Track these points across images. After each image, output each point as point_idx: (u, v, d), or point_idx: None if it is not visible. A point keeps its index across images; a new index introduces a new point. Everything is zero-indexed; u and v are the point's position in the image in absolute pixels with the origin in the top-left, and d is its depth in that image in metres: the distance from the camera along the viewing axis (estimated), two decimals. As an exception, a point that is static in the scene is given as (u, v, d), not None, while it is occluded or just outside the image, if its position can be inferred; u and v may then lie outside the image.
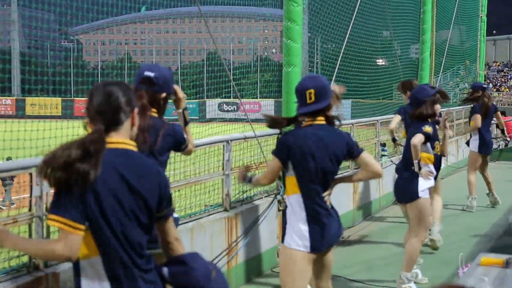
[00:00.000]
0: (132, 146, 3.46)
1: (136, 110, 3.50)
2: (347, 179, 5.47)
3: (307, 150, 5.02)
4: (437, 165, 8.29)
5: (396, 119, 9.95)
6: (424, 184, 7.41)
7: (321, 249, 5.11)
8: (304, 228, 5.08)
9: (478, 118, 12.17)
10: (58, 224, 3.15)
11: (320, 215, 5.06)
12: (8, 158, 8.06)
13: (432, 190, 10.39)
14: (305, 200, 5.08)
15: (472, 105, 12.48)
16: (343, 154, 5.10)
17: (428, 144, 7.54)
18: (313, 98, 5.03)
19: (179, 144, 5.04)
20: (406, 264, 7.43)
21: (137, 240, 3.35)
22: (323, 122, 5.08)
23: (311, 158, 5.02)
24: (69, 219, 3.14)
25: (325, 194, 5.05)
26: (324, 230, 5.07)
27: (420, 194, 7.37)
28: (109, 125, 3.37)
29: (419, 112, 7.49)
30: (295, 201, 5.12)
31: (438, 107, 7.53)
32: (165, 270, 3.52)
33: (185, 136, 5.09)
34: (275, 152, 5.22)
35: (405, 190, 7.50)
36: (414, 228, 7.48)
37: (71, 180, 3.13)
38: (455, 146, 17.69)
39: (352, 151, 5.10)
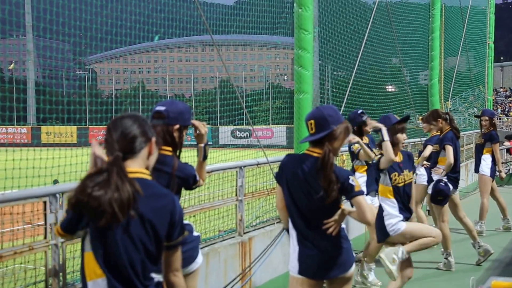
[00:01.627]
0: (147, 175, 3.51)
1: (154, 139, 3.57)
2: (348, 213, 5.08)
3: (285, 180, 5.07)
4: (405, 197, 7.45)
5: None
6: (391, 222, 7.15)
7: (313, 276, 5.02)
8: (294, 250, 5.07)
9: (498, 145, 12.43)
10: None
11: (310, 239, 5.00)
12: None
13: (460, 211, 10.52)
14: (293, 225, 5.09)
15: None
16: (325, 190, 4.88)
17: (385, 177, 7.17)
18: (314, 129, 5.02)
19: (188, 183, 5.04)
20: None
21: (142, 268, 3.40)
22: (315, 155, 4.98)
23: (286, 188, 5.07)
24: None
25: (328, 222, 4.93)
26: (315, 256, 4.98)
27: (393, 232, 7.15)
28: (126, 153, 3.45)
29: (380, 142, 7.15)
30: (290, 224, 5.13)
31: (400, 136, 7.12)
32: None
33: (196, 174, 5.09)
34: (275, 175, 5.29)
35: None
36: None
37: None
38: (464, 170, 17.67)
39: (345, 192, 4.89)
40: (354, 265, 5.14)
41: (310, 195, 4.94)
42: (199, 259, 5.23)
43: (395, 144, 7.08)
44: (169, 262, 3.59)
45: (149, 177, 3.53)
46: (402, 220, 7.11)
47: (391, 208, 7.12)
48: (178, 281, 3.64)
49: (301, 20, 8.89)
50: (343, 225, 5.07)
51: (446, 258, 9.71)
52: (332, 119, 4.97)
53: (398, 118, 7.20)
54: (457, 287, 8.56)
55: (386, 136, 6.91)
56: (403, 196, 7.17)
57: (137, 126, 3.52)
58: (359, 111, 8.66)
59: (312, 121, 5.02)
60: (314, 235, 4.99)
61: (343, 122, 5.04)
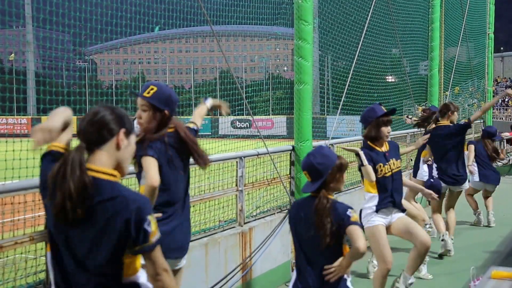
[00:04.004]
0: (110, 176, 3.32)
1: (122, 130, 3.38)
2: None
3: (292, 222, 5.21)
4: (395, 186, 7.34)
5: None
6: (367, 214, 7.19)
7: None
8: (291, 279, 5.24)
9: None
10: None
11: (306, 274, 5.05)
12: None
13: (447, 204, 10.54)
14: (296, 260, 5.24)
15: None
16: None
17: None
18: (309, 178, 5.08)
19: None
20: None
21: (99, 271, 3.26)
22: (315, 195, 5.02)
23: (294, 229, 5.19)
24: None
25: (329, 268, 4.92)
26: None
27: (365, 223, 7.11)
28: (90, 144, 3.33)
29: (365, 133, 7.24)
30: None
31: (385, 129, 7.06)
32: None
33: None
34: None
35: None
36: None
37: None
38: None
39: (343, 227, 4.88)
40: None
41: (310, 237, 4.99)
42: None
43: (379, 137, 7.08)
44: (153, 262, 3.37)
45: (113, 178, 3.33)
46: (383, 217, 7.14)
47: (370, 202, 7.17)
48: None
49: (301, 11, 8.88)
50: (348, 277, 5.01)
51: (442, 240, 9.83)
52: (323, 166, 4.99)
53: (384, 110, 7.13)
54: (458, 278, 8.61)
55: (364, 161, 6.94)
56: (393, 186, 7.14)
57: (106, 115, 3.36)
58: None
59: (306, 173, 5.08)
60: (311, 272, 5.03)
61: (335, 163, 5.02)
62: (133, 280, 3.36)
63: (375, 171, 7.06)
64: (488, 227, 12.23)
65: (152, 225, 3.26)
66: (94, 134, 3.31)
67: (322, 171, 4.97)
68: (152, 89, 5.11)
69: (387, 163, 7.09)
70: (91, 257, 3.24)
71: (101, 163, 3.32)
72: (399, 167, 7.29)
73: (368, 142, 7.17)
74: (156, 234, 3.29)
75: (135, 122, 5.01)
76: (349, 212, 4.85)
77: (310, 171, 5.03)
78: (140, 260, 3.38)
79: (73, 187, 3.16)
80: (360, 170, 7.12)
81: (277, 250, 8.54)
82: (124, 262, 3.29)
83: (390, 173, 7.11)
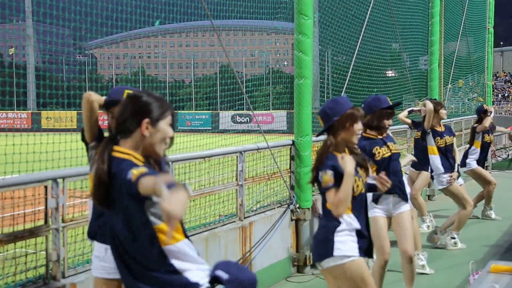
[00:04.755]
0: (124, 154, 3.54)
1: (146, 120, 3.55)
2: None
3: None
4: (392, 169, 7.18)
5: None
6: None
7: None
8: None
9: None
10: None
11: None
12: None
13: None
14: None
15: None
16: None
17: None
18: (322, 125, 5.17)
19: None
20: None
21: None
22: None
23: None
24: None
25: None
26: None
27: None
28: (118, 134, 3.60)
29: (365, 121, 6.76)
30: None
31: (386, 121, 6.92)
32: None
33: None
34: None
35: None
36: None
37: None
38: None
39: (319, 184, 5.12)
40: (328, 260, 5.03)
41: None
42: None
43: (380, 128, 6.94)
44: None
45: (134, 159, 3.53)
46: (382, 208, 7.06)
47: None
48: None
49: (301, 5, 8.89)
50: (342, 220, 5.03)
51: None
52: (332, 111, 5.06)
53: (389, 102, 6.99)
54: (457, 271, 8.65)
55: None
56: (390, 169, 6.92)
57: (128, 108, 3.59)
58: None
59: (319, 118, 5.18)
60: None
61: (346, 111, 5.05)
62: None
63: (373, 155, 6.89)
64: (487, 220, 12.30)
65: (133, 171, 3.35)
66: (120, 128, 3.60)
67: (330, 115, 5.05)
68: None
69: (384, 145, 6.94)
70: None
71: (125, 147, 3.57)
72: (398, 150, 7.16)
73: (367, 130, 6.96)
74: (137, 174, 3.33)
75: None
76: (320, 176, 4.94)
77: (322, 116, 5.13)
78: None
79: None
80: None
81: (277, 245, 8.56)
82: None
83: (389, 153, 6.94)
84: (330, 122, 5.05)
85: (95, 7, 10.54)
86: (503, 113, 65.41)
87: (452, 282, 8.28)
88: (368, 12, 13.04)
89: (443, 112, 10.39)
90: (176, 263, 3.49)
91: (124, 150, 3.55)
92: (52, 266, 5.33)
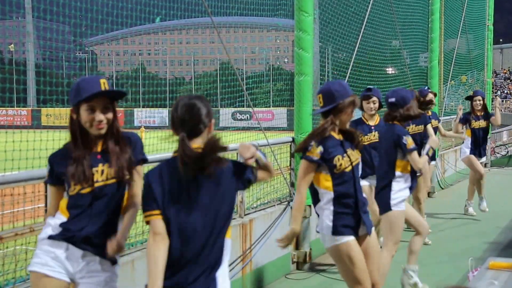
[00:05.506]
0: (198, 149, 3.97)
1: (213, 121, 4.05)
2: None
3: None
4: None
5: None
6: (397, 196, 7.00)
7: None
8: None
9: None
10: None
11: None
12: None
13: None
14: None
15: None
16: None
17: None
18: (322, 102, 5.31)
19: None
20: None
21: None
22: None
23: None
24: None
25: None
26: None
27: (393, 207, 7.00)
28: (190, 134, 3.95)
29: (406, 114, 7.00)
30: None
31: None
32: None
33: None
34: None
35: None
36: (385, 241, 7.14)
37: None
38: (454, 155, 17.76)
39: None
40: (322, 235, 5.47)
41: None
42: None
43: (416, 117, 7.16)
44: None
45: None
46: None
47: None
48: None
49: (301, 2, 8.90)
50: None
51: None
52: (339, 93, 5.25)
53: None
54: (456, 268, 8.68)
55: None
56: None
57: (202, 110, 4.00)
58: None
59: (320, 95, 5.33)
60: None
61: (350, 96, 5.29)
62: None
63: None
64: (485, 217, 12.31)
65: None
66: (194, 128, 3.98)
67: (336, 97, 5.24)
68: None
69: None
70: None
71: (197, 143, 3.97)
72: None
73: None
74: None
75: None
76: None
77: (325, 95, 5.30)
78: None
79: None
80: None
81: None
82: None
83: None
84: (335, 104, 5.24)
85: (96, 4, 10.53)
86: (503, 110, 65.54)
87: (451, 279, 8.30)
88: (368, 9, 13.05)
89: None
90: None
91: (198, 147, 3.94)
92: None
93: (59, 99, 14.03)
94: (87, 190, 4.20)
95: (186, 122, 3.94)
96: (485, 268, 5.30)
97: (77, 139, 4.33)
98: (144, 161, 4.47)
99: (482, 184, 12.13)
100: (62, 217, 4.27)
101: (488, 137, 12.82)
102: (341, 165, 5.25)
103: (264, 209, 8.63)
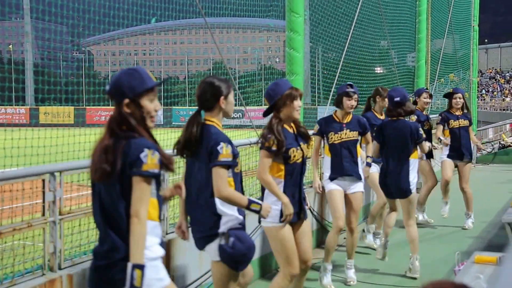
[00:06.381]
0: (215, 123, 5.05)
1: (222, 97, 4.99)
2: None
3: None
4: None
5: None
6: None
7: None
8: None
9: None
10: None
11: None
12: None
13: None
14: None
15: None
16: None
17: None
18: (268, 104, 5.88)
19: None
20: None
21: None
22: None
23: None
24: None
25: None
26: None
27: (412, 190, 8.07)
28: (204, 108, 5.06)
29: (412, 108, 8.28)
30: None
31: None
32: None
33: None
34: None
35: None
36: (412, 215, 8.21)
37: None
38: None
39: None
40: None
41: None
42: None
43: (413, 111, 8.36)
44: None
45: (215, 124, 5.05)
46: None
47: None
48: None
49: (292, 3, 9.05)
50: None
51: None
52: (274, 92, 5.82)
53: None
54: (443, 262, 8.77)
55: None
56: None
57: (207, 90, 5.00)
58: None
59: (265, 99, 5.95)
60: None
61: (285, 91, 5.79)
62: None
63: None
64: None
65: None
66: (206, 103, 5.04)
67: (273, 96, 5.79)
68: None
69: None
70: None
71: (210, 116, 5.08)
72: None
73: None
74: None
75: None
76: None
77: (266, 97, 5.88)
78: None
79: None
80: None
81: (263, 240, 8.47)
82: None
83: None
84: (273, 101, 5.77)
85: (93, 5, 10.68)
86: (487, 108, 65.82)
87: (437, 273, 8.33)
88: (357, 10, 13.22)
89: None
90: None
91: (210, 119, 5.04)
92: (49, 257, 5.36)
93: (57, 97, 14.23)
94: None
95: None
96: (471, 262, 5.50)
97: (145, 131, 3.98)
98: None
99: (448, 189, 11.64)
100: None
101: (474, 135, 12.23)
102: (294, 156, 5.80)
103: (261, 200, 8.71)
